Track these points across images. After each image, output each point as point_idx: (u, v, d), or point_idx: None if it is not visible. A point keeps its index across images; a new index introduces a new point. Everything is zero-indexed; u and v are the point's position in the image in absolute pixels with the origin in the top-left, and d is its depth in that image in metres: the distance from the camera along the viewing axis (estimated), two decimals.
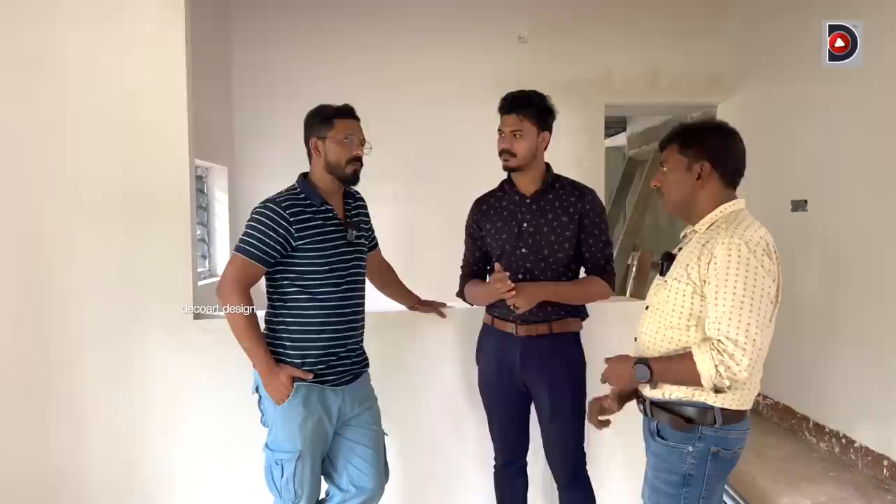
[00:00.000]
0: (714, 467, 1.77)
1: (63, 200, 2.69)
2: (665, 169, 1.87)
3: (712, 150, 1.79)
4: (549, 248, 2.39)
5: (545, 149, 2.44)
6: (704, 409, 1.75)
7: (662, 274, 1.89)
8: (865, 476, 3.79)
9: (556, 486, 2.53)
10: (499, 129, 2.42)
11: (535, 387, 2.43)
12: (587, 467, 2.49)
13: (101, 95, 2.69)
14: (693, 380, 1.69)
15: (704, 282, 1.71)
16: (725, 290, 1.65)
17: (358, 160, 2.28)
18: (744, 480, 3.70)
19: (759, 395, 4.82)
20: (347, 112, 2.30)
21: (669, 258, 1.89)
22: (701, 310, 1.73)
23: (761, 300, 1.64)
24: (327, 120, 2.26)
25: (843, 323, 4.08)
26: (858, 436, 3.93)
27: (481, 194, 2.61)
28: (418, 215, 5.18)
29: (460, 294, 2.61)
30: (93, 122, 2.69)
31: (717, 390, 1.69)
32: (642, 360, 1.79)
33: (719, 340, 1.63)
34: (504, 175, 2.55)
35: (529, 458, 2.58)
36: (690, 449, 1.77)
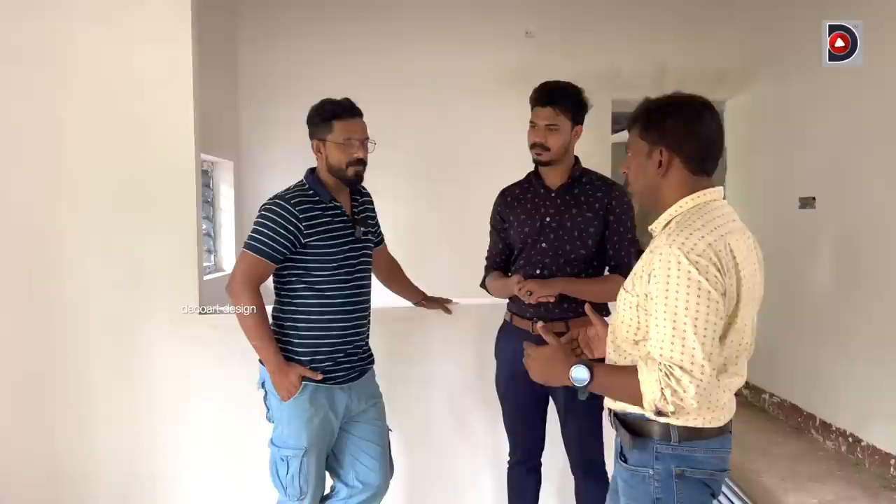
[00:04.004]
0: (685, 491, 1.55)
1: (69, 195, 2.69)
2: (629, 154, 1.64)
3: (671, 133, 1.55)
4: (571, 243, 2.35)
5: (575, 142, 2.40)
6: (661, 423, 1.55)
7: None
8: (873, 475, 3.77)
9: (572, 482, 2.50)
10: (531, 122, 2.34)
11: (550, 385, 2.41)
12: (605, 460, 2.46)
13: (108, 90, 2.69)
14: (633, 397, 1.49)
15: (646, 295, 1.51)
16: (666, 309, 1.44)
17: (360, 162, 2.24)
18: (750, 479, 3.68)
19: (765, 393, 4.81)
20: (347, 111, 2.23)
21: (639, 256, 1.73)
22: (647, 324, 1.53)
23: (707, 319, 1.42)
24: (326, 121, 2.22)
25: (850, 321, 4.05)
26: (866, 435, 3.91)
27: (506, 185, 2.57)
28: (424, 211, 5.17)
29: (483, 285, 2.59)
30: (100, 116, 2.69)
31: (659, 413, 1.48)
32: (583, 362, 1.58)
33: (667, 365, 1.43)
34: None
35: (545, 455, 2.57)
36: (651, 472, 1.56)
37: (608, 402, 1.69)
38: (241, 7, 5.10)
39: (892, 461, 3.68)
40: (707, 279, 1.43)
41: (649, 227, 1.66)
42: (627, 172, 1.66)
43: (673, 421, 1.53)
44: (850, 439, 4.01)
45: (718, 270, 1.45)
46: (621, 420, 1.62)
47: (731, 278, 1.48)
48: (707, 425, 1.55)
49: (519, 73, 4.93)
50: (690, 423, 1.54)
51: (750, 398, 4.98)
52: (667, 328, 1.44)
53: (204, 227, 4.74)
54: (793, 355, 4.49)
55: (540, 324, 1.71)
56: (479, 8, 5.15)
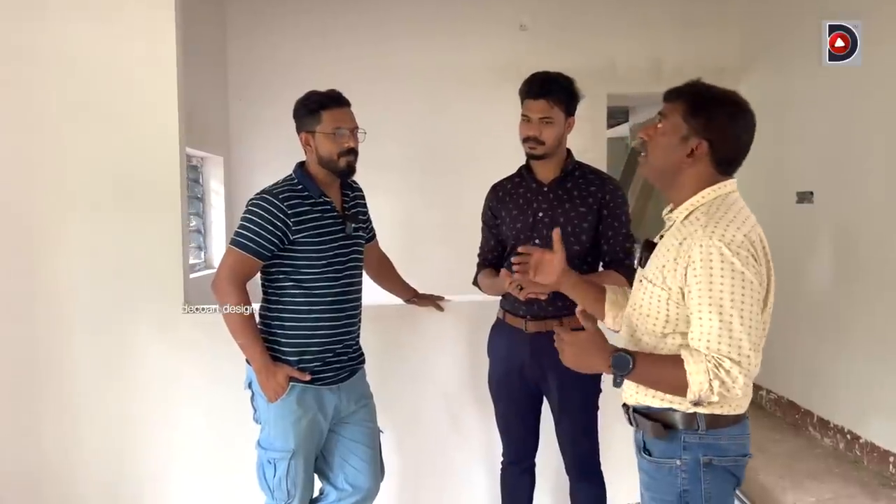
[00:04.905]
0: (712, 481, 1.55)
1: (52, 191, 2.64)
2: (659, 125, 1.60)
3: (716, 129, 1.53)
4: (565, 239, 2.26)
5: (568, 135, 2.35)
6: (687, 413, 1.56)
7: (642, 265, 1.70)
8: (871, 473, 3.73)
9: (567, 483, 2.46)
10: (524, 115, 2.28)
11: (544, 384, 2.36)
12: (601, 461, 2.42)
13: (91, 84, 2.63)
14: (676, 388, 1.48)
15: (682, 289, 1.50)
16: (710, 302, 1.44)
17: (351, 152, 2.18)
18: (747, 477, 3.60)
19: (762, 389, 4.77)
20: (335, 100, 2.17)
21: (650, 247, 1.67)
22: (678, 317, 1.53)
23: (751, 310, 1.44)
24: (314, 112, 2.15)
25: (849, 316, 4.01)
26: (864, 432, 3.87)
27: (498, 180, 2.51)
28: (417, 207, 5.09)
29: (475, 283, 2.54)
30: (82, 111, 2.63)
31: (697, 403, 1.50)
32: (624, 350, 1.54)
33: (716, 357, 1.43)
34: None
35: (540, 455, 2.52)
36: (678, 463, 1.56)
37: (626, 399, 1.67)
38: (230, 2, 5.02)
39: (891, 458, 3.64)
40: (748, 270, 1.45)
41: (668, 215, 1.64)
42: (648, 141, 1.61)
43: (700, 409, 1.54)
44: (849, 436, 3.97)
45: (755, 260, 1.47)
46: (643, 414, 1.62)
47: (764, 268, 1.51)
48: (731, 412, 1.56)
49: (513, 66, 4.85)
50: (717, 411, 1.55)
51: None
52: (713, 321, 1.44)
53: (193, 223, 4.67)
54: (791, 351, 4.45)
55: (579, 308, 1.64)
56: (473, 1, 5.07)
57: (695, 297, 1.47)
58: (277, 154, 3.92)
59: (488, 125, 4.73)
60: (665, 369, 1.51)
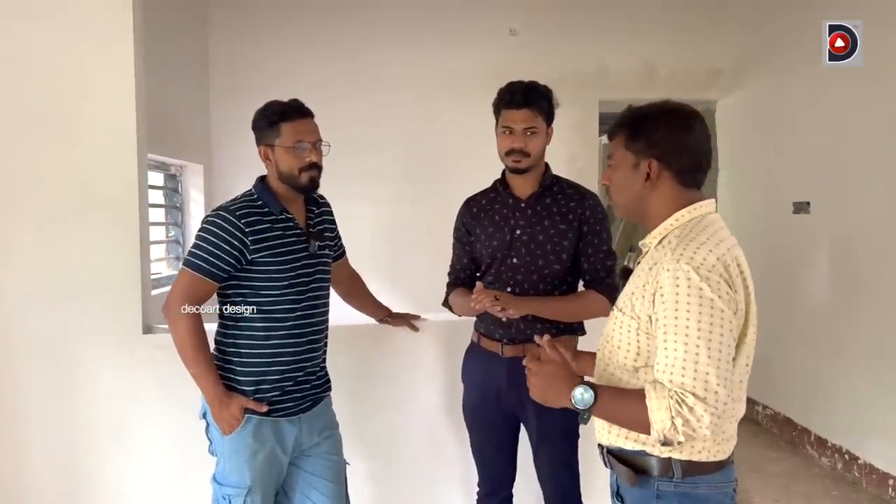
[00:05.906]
0: None
1: (1, 203, 2.48)
2: (611, 165, 1.54)
3: (661, 144, 1.45)
4: (544, 258, 2.17)
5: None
6: (662, 458, 1.44)
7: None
8: (870, 496, 3.58)
9: None
10: (505, 127, 2.14)
11: (521, 411, 2.23)
12: (582, 494, 2.28)
13: (42, 89, 2.48)
14: (640, 425, 1.37)
15: (650, 317, 1.40)
16: (676, 331, 1.32)
17: (313, 167, 2.03)
18: (741, 499, 3.49)
19: (758, 404, 4.63)
20: (295, 111, 2.02)
21: (627, 274, 1.58)
22: (649, 349, 1.43)
23: (721, 341, 1.32)
24: (274, 124, 2.01)
25: (848, 332, 3.87)
26: (863, 452, 3.72)
27: (472, 194, 2.39)
28: (405, 214, 4.94)
29: (446, 303, 2.40)
30: (34, 118, 2.48)
31: (665, 443, 1.39)
32: (587, 383, 1.43)
33: (679, 392, 1.32)
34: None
35: (517, 486, 2.37)
36: None
37: (599, 438, 1.57)
38: (214, 6, 4.88)
39: (891, 481, 3.50)
40: (720, 296, 1.33)
41: (640, 243, 1.55)
42: (609, 184, 1.55)
43: (676, 455, 1.43)
44: (847, 457, 3.82)
45: (730, 286, 1.36)
46: (616, 456, 1.51)
47: (741, 294, 1.39)
48: (712, 458, 1.44)
49: (503, 72, 4.67)
50: (695, 458, 1.43)
51: None
52: (677, 351, 1.33)
53: (172, 233, 4.54)
54: (787, 365, 4.31)
55: (546, 337, 1.55)
56: (460, 5, 4.93)
57: (660, 324, 1.36)
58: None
59: (478, 132, 4.51)
60: (628, 404, 1.40)
